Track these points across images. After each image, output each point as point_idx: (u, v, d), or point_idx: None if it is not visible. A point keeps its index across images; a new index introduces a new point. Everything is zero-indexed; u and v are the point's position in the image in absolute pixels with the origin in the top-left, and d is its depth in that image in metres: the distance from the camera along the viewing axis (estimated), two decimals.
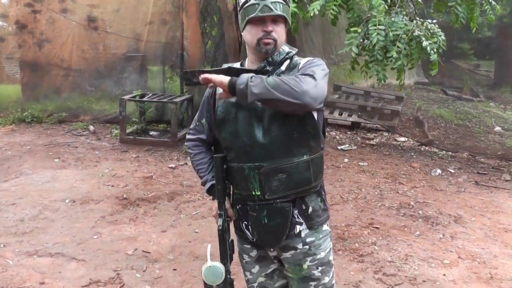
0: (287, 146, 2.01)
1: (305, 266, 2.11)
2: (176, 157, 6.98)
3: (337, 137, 8.55)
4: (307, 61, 2.04)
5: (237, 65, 2.13)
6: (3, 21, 9.62)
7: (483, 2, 4.29)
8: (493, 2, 4.40)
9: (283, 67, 2.06)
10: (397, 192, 5.77)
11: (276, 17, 1.98)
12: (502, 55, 15.29)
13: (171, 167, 6.48)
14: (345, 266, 3.93)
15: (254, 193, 2.05)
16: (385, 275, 3.80)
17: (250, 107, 2.00)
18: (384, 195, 5.65)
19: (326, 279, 2.15)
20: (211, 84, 1.93)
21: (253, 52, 2.06)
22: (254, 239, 2.14)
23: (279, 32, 2.00)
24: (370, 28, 3.30)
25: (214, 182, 2.13)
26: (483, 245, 4.35)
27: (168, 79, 9.95)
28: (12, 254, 3.98)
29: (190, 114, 8.22)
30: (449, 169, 6.81)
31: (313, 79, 1.86)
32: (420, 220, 4.91)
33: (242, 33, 2.08)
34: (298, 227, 2.08)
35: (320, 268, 2.13)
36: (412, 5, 4.71)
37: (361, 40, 3.48)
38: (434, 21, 3.51)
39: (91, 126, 8.46)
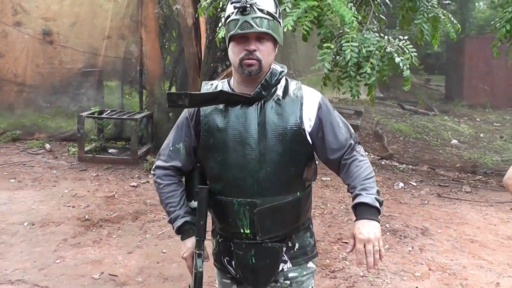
0: (283, 182, 1.87)
1: None
2: (137, 175, 6.82)
3: None
4: (321, 106, 1.92)
5: (223, 84, 1.95)
6: None
7: (446, 20, 4.41)
8: (454, 21, 4.53)
9: (279, 92, 1.89)
10: None
11: (261, 34, 1.78)
12: (451, 69, 15.83)
13: (133, 186, 6.31)
14: (318, 283, 3.89)
15: (242, 231, 1.88)
16: None
17: (244, 135, 1.84)
18: (350, 209, 5.63)
19: None
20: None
21: (237, 72, 1.88)
22: (238, 275, 1.98)
23: (264, 51, 1.80)
24: (343, 45, 3.31)
25: (187, 218, 1.95)
26: (452, 256, 4.42)
27: (127, 95, 9.77)
28: None
29: (149, 131, 8.08)
30: (411, 182, 6.93)
31: (359, 144, 1.95)
32: (388, 233, 4.94)
33: (228, 51, 1.89)
34: (281, 265, 1.95)
35: None
36: (376, 22, 4.78)
37: (333, 56, 3.49)
38: (406, 37, 3.58)
39: (47, 144, 8.16)
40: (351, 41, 3.27)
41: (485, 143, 9.80)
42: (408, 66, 3.37)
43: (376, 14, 4.40)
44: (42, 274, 3.91)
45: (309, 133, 1.88)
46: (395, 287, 3.85)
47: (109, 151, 7.94)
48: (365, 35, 3.48)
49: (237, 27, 1.75)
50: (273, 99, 1.87)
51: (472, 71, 14.61)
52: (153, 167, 2.05)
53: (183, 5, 7.71)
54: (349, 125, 1.97)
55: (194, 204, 1.96)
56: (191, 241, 1.94)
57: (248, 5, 1.74)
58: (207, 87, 1.97)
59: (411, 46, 3.50)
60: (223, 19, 3.97)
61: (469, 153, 8.89)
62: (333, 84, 3.76)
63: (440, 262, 4.29)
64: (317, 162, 2.03)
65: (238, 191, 1.86)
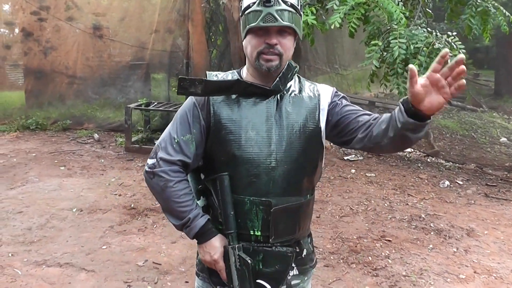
0: (298, 182, 1.75)
1: None
2: None
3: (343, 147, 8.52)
4: (341, 95, 1.85)
5: (233, 75, 1.82)
6: (7, 29, 9.59)
7: (497, 13, 4.28)
8: (507, 13, 4.38)
9: (294, 87, 1.80)
10: (407, 204, 5.72)
11: (283, 27, 1.65)
12: (502, 64, 15.31)
13: None
14: (359, 280, 3.87)
15: (252, 233, 1.73)
16: None
17: (260, 129, 1.71)
18: (394, 207, 5.60)
19: None
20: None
21: (252, 66, 1.75)
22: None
23: (285, 45, 1.67)
24: (391, 41, 3.26)
25: (208, 216, 1.75)
26: (499, 259, 4.29)
27: (173, 88, 9.94)
28: (20, 263, 3.92)
29: None
30: (457, 181, 6.77)
31: None
32: (432, 233, 4.85)
33: (243, 43, 1.75)
34: (290, 272, 1.82)
35: None
36: (422, 16, 4.69)
37: (381, 53, 3.44)
38: (454, 33, 3.49)
39: (96, 134, 8.42)
40: (399, 38, 3.21)
41: None
42: None
43: (423, 8, 4.31)
44: (89, 259, 4.04)
45: (326, 122, 1.78)
46: None
47: (155, 142, 8.09)
48: (412, 31, 3.41)
49: (259, 19, 1.61)
50: (290, 94, 1.77)
51: None
52: (153, 161, 1.75)
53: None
54: None
55: (199, 203, 1.80)
56: (217, 240, 1.74)
57: None
58: (212, 78, 1.79)
59: (460, 42, 3.41)
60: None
61: None
62: (380, 81, 3.72)
63: (486, 265, 4.18)
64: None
65: (252, 189, 1.70)
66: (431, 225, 5.05)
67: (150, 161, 1.76)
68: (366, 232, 4.82)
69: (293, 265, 1.82)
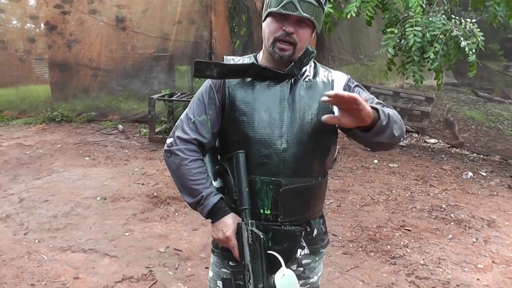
0: (308, 164, 1.78)
1: None
2: None
3: None
4: (354, 83, 1.85)
5: (250, 59, 1.85)
6: (32, 23, 9.76)
7: None
8: None
9: (309, 72, 1.82)
10: (428, 194, 5.69)
11: (303, 18, 1.66)
12: None
13: None
14: (377, 267, 3.89)
15: (262, 211, 1.77)
16: (418, 278, 3.75)
17: (272, 112, 1.74)
18: (415, 197, 5.57)
19: None
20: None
21: (267, 51, 1.78)
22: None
23: (302, 35, 1.70)
24: (406, 29, 3.23)
25: (221, 195, 1.79)
26: None
27: (197, 79, 9.99)
28: (46, 249, 4.04)
29: None
30: (480, 172, 6.69)
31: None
32: (452, 223, 4.82)
33: (262, 24, 1.77)
34: (299, 251, 1.87)
35: None
36: (446, 2, 4.63)
37: (398, 41, 3.41)
38: (474, 20, 3.44)
39: (120, 125, 8.56)
40: (415, 26, 3.18)
41: None
42: (474, 50, 3.24)
43: None
44: (112, 245, 4.14)
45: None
46: (456, 278, 3.76)
47: None
48: (430, 18, 3.38)
49: (280, 5, 1.64)
50: (304, 79, 1.80)
51: None
52: (171, 139, 1.83)
53: None
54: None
55: (215, 184, 1.84)
56: (230, 218, 1.77)
57: None
58: (229, 61, 1.84)
59: (479, 29, 3.36)
60: None
61: None
62: (397, 69, 3.70)
63: (504, 255, 4.14)
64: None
65: (263, 169, 1.75)
66: (452, 215, 5.01)
67: (168, 140, 1.84)
68: (386, 221, 4.81)
69: (304, 244, 1.87)
